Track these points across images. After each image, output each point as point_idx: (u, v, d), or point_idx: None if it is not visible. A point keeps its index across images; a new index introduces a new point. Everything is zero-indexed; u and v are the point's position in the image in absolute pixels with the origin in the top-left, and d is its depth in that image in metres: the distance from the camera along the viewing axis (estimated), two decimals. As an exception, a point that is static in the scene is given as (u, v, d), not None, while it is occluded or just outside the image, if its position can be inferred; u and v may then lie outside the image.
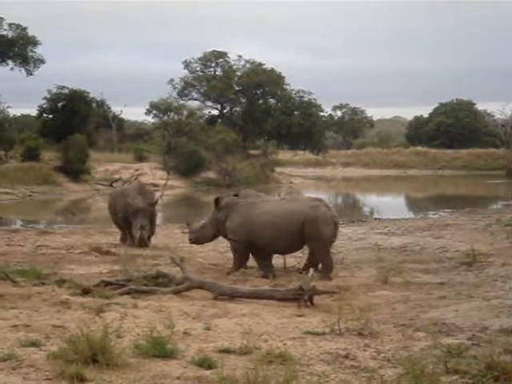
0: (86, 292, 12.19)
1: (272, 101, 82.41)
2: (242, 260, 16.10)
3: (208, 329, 9.80)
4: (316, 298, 12.01)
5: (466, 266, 16.39)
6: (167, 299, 12.00)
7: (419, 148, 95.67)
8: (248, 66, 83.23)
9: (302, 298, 11.85)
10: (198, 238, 16.85)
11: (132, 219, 21.29)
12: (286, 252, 16.51)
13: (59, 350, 7.86)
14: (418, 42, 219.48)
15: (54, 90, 64.22)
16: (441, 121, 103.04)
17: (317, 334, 9.62)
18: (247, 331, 9.12)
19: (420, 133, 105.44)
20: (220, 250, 19.36)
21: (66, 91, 63.94)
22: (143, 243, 20.90)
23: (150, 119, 78.88)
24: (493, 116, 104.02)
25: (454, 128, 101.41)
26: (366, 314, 10.11)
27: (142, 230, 21.03)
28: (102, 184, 44.31)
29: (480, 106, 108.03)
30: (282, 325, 10.24)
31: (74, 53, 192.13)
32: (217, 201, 16.42)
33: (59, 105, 63.66)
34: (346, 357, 8.51)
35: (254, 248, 15.92)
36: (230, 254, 16.76)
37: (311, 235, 15.55)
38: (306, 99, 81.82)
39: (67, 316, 10.33)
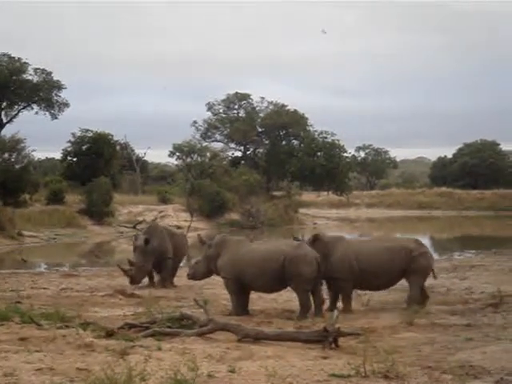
0: (110, 334, 12.18)
1: (295, 142, 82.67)
2: (238, 298, 16.17)
3: (232, 371, 9.72)
4: (341, 340, 11.92)
5: (493, 307, 16.24)
6: (191, 341, 11.95)
7: (443, 189, 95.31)
8: (271, 107, 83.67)
9: (327, 339, 11.76)
10: (193, 274, 17.29)
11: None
12: (269, 290, 16.78)
13: (83, 394, 7.83)
14: (442, 81, 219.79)
15: (79, 133, 64.80)
16: (465, 161, 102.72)
17: (342, 376, 9.52)
18: (272, 374, 9.04)
19: (444, 173, 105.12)
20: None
21: (90, 134, 64.44)
22: (131, 280, 21.12)
23: (173, 161, 79.44)
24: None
25: (478, 168, 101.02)
26: (392, 356, 10.00)
27: (130, 266, 21.30)
28: (125, 226, 44.48)
29: (504, 147, 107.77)
30: (307, 367, 10.14)
31: (99, 96, 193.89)
32: (201, 240, 17.35)
33: (83, 148, 64.11)
34: (372, 400, 8.42)
35: (241, 285, 16.17)
36: (255, 296, 16.81)
37: (291, 274, 15.74)
38: (329, 140, 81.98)
39: (91, 359, 10.30)
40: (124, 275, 21.62)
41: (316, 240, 16.72)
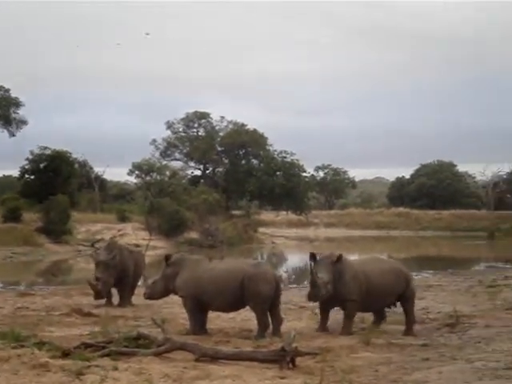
0: (65, 354, 12.04)
1: (254, 161, 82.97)
2: (196, 317, 16.12)
3: (189, 391, 9.68)
4: (298, 360, 11.92)
5: (449, 327, 16.37)
6: (148, 361, 11.86)
7: (401, 209, 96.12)
8: (231, 126, 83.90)
9: (285, 359, 11.74)
10: (150, 294, 17.09)
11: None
12: (228, 309, 16.71)
13: (37, 414, 7.73)
14: (400, 103, 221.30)
15: (37, 151, 64.44)
16: (422, 182, 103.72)
17: (299, 396, 9.52)
18: (229, 394, 9.02)
19: (402, 194, 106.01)
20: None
21: (48, 152, 64.06)
22: (96, 295, 21.24)
23: (132, 179, 79.22)
24: (474, 177, 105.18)
25: (435, 189, 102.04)
26: (349, 376, 10.03)
27: (96, 281, 21.22)
28: (83, 245, 44.04)
29: (461, 168, 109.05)
30: (264, 387, 10.13)
31: (57, 114, 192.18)
32: (167, 257, 16.81)
33: (41, 165, 63.74)
34: (329, 420, 8.42)
35: (199, 304, 16.07)
36: (213, 315, 16.78)
37: (249, 293, 15.72)
38: (288, 159, 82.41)
39: (46, 379, 10.19)
40: (91, 289, 21.49)
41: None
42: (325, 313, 16.24)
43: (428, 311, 19.27)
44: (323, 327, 16.13)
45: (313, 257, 15.97)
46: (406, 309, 16.56)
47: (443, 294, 23.44)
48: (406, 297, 16.52)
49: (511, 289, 23.94)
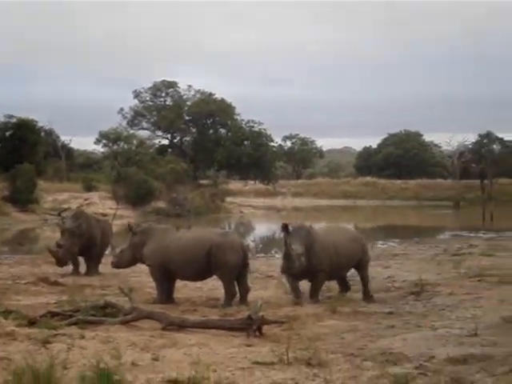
0: (32, 323, 12.03)
1: (222, 131, 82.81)
2: (163, 286, 16.17)
3: (156, 359, 9.73)
4: (265, 328, 12.00)
5: (414, 295, 16.53)
6: (115, 330, 11.89)
7: (368, 178, 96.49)
8: (198, 95, 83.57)
9: (251, 327, 11.83)
10: (117, 263, 17.22)
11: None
12: (195, 278, 16.76)
13: (4, 382, 7.73)
14: (369, 71, 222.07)
15: (2, 119, 63.82)
16: (389, 152, 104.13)
17: (265, 363, 9.59)
18: (196, 361, 9.06)
19: (369, 163, 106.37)
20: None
21: (13, 120, 63.47)
22: (58, 262, 21.42)
23: (99, 149, 78.78)
24: (440, 147, 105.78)
25: (402, 159, 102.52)
26: (315, 344, 10.12)
27: (58, 248, 21.23)
28: (50, 214, 43.84)
29: (427, 137, 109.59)
30: (231, 355, 10.20)
31: (23, 82, 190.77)
32: (130, 227, 16.97)
33: (7, 134, 63.14)
34: (295, 387, 8.50)
35: (166, 273, 16.11)
36: (180, 284, 16.84)
37: (217, 262, 15.79)
38: (256, 129, 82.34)
39: (13, 347, 10.17)
40: (52, 256, 21.47)
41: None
42: (295, 283, 16.08)
43: (394, 279, 19.43)
44: (299, 294, 15.91)
45: (285, 228, 15.84)
46: (363, 275, 16.80)
47: (409, 263, 23.64)
48: (363, 264, 16.83)
49: (475, 257, 24.19)
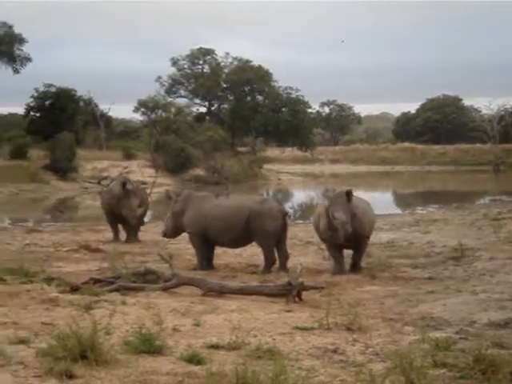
0: (74, 289, 12.18)
1: (260, 98, 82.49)
2: (203, 253, 16.27)
3: (197, 325, 9.80)
4: (304, 294, 12.04)
5: (454, 260, 16.48)
6: (156, 296, 12.00)
7: (406, 144, 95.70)
8: (235, 63, 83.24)
9: (291, 293, 11.87)
10: (164, 232, 17.39)
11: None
12: (234, 245, 16.89)
13: (48, 347, 7.83)
14: (406, 38, 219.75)
15: (42, 89, 64.23)
16: (428, 117, 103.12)
17: (305, 329, 9.63)
18: (236, 327, 9.10)
19: (407, 129, 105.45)
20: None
21: (53, 89, 63.88)
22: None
23: (138, 117, 78.97)
24: (479, 111, 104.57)
25: (440, 124, 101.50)
26: (355, 309, 10.13)
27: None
28: (90, 182, 44.21)
29: (467, 102, 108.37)
30: (271, 320, 10.25)
31: (61, 51, 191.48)
32: (168, 194, 17.33)
33: (46, 103, 63.63)
34: (335, 351, 8.53)
35: (206, 240, 16.24)
36: (220, 250, 16.98)
37: (256, 229, 15.82)
38: (293, 96, 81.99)
39: (56, 313, 10.31)
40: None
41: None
42: (337, 253, 15.52)
43: (433, 245, 19.35)
44: (343, 268, 15.37)
45: (349, 195, 15.15)
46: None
47: (448, 228, 23.51)
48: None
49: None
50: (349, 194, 15.19)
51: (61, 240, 21.74)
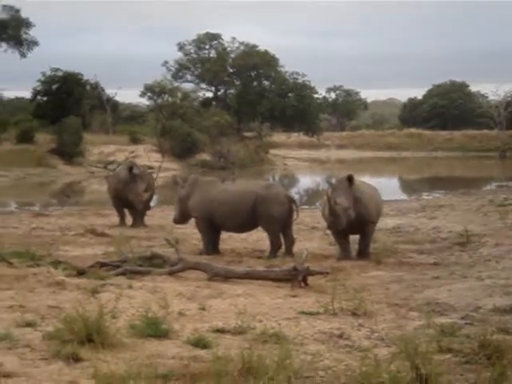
0: (81, 273, 12.25)
1: (266, 83, 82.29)
2: (209, 238, 16.31)
3: (203, 309, 9.85)
4: (310, 279, 12.07)
5: (460, 246, 16.48)
6: (162, 280, 12.05)
7: (413, 130, 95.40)
8: (242, 47, 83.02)
9: (296, 278, 11.90)
10: (174, 217, 17.45)
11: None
12: (240, 230, 16.91)
13: (55, 330, 7.89)
14: (412, 23, 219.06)
15: (48, 73, 64.21)
16: (434, 102, 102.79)
17: (311, 313, 9.67)
18: (242, 311, 9.15)
19: (414, 115, 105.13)
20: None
21: (60, 74, 63.84)
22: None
23: (144, 101, 78.84)
24: (486, 97, 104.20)
25: (447, 109, 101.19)
26: (360, 294, 10.16)
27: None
28: (96, 166, 44.28)
29: (473, 88, 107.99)
30: (277, 305, 10.29)
31: (68, 35, 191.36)
32: (175, 180, 17.17)
33: (53, 87, 63.59)
34: (340, 336, 8.57)
35: (212, 225, 16.24)
36: (225, 235, 17.00)
37: (261, 214, 15.82)
38: (299, 81, 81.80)
39: (62, 297, 10.36)
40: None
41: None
42: (342, 239, 15.39)
43: (439, 230, 19.36)
44: (349, 255, 15.23)
45: (350, 179, 15.03)
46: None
47: (454, 214, 23.51)
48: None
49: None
50: (350, 179, 15.06)
51: (67, 224, 21.80)
